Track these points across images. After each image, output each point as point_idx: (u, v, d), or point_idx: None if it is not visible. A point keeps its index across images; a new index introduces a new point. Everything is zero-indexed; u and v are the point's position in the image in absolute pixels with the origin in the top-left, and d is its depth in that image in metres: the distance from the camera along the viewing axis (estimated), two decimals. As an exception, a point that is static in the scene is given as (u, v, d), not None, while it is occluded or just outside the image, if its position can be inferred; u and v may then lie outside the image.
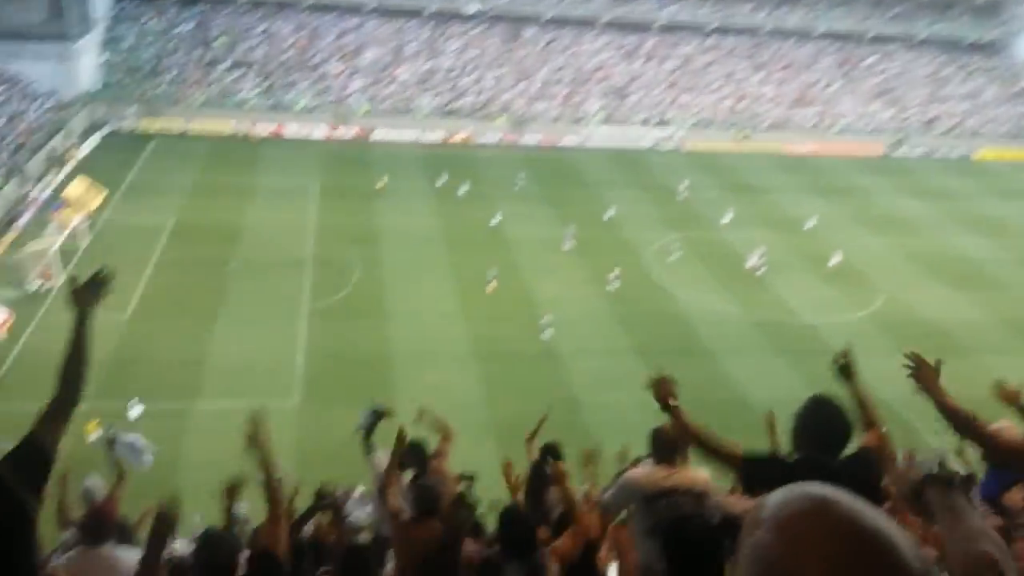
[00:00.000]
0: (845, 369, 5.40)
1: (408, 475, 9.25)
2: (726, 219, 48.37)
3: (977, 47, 77.82)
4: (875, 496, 4.45)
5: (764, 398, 30.06)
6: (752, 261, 42.12)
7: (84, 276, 4.11)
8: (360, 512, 11.49)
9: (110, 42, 63.22)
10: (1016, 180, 62.21)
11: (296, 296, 36.19)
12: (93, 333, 3.98)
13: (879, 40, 76.28)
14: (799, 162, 62.88)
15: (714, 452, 4.83)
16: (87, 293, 4.06)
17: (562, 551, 6.05)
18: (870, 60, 75.38)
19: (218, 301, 35.14)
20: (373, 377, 30.28)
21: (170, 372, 29.49)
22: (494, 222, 45.14)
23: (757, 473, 4.30)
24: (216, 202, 45.84)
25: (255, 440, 5.35)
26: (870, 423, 4.95)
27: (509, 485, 8.91)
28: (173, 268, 37.74)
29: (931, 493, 3.29)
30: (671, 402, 5.03)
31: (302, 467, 20.32)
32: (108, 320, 32.16)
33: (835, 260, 43.03)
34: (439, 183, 51.24)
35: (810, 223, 48.70)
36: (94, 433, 22.59)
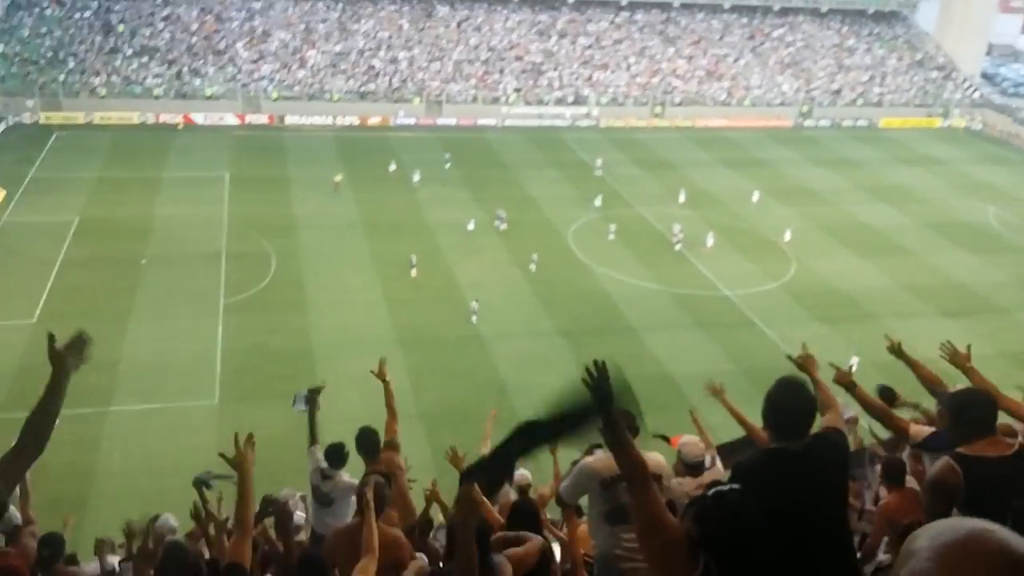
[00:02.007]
0: (803, 363, 5.89)
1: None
2: (681, 198, 48.92)
3: (880, 16, 79.98)
4: (842, 473, 4.71)
5: (687, 371, 30.80)
6: (709, 242, 42.79)
7: (63, 338, 4.06)
8: (297, 513, 11.44)
9: (6, 32, 60.55)
10: (918, 147, 64.40)
11: (211, 291, 35.39)
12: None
13: (786, 12, 77.78)
14: (711, 135, 63.98)
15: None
16: (71, 355, 4.03)
17: (517, 557, 6.02)
18: (777, 32, 76.85)
19: (130, 300, 34.17)
20: (294, 370, 29.80)
21: (82, 376, 27.89)
22: (471, 227, 43.00)
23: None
24: (123, 196, 44.47)
25: (238, 459, 5.40)
26: (827, 405, 5.25)
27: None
28: (81, 268, 36.53)
29: None
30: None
31: (225, 467, 20.00)
32: (14, 326, 31.05)
33: (787, 237, 44.01)
34: (391, 169, 50.70)
35: (755, 196, 49.77)
36: None
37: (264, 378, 29.54)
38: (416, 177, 49.28)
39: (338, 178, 47.66)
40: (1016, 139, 67.56)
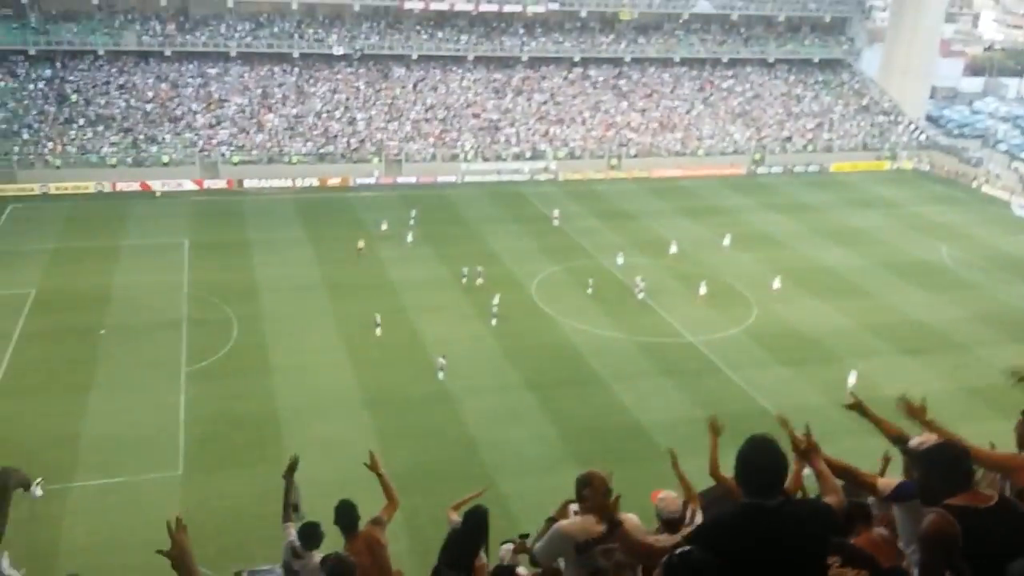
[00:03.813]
0: (807, 451, 5.66)
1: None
2: (673, 249, 49.33)
3: (826, 64, 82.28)
4: (822, 529, 4.67)
5: (656, 419, 30.90)
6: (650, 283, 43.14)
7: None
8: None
9: (-44, 105, 60.10)
10: (867, 190, 65.90)
11: (173, 359, 34.91)
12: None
13: (734, 63, 79.73)
14: (668, 185, 64.93)
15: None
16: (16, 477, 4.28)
17: None
18: (727, 83, 78.65)
19: (90, 372, 33.58)
20: (259, 437, 29.51)
21: (43, 451, 27.88)
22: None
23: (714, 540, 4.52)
24: (81, 267, 43.94)
25: (177, 551, 4.85)
26: (827, 491, 5.27)
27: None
28: (39, 341, 35.88)
29: None
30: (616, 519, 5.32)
31: (192, 540, 19.52)
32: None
33: (776, 284, 44.43)
34: (383, 228, 50.80)
35: (726, 241, 50.80)
36: None
37: (229, 446, 29.09)
38: (409, 237, 49.56)
39: (361, 244, 47.21)
40: (963, 178, 69.47)
